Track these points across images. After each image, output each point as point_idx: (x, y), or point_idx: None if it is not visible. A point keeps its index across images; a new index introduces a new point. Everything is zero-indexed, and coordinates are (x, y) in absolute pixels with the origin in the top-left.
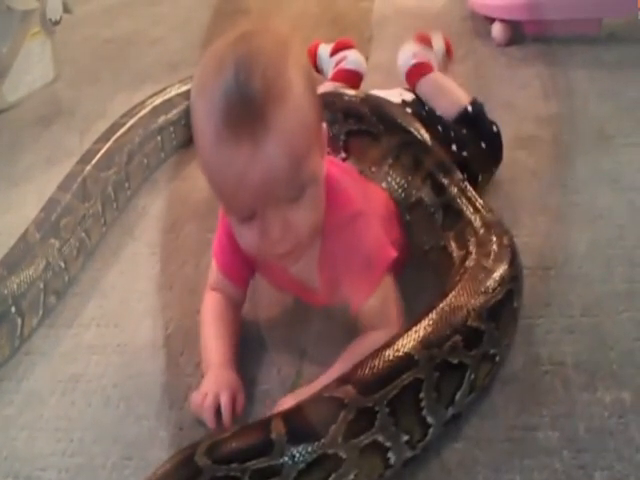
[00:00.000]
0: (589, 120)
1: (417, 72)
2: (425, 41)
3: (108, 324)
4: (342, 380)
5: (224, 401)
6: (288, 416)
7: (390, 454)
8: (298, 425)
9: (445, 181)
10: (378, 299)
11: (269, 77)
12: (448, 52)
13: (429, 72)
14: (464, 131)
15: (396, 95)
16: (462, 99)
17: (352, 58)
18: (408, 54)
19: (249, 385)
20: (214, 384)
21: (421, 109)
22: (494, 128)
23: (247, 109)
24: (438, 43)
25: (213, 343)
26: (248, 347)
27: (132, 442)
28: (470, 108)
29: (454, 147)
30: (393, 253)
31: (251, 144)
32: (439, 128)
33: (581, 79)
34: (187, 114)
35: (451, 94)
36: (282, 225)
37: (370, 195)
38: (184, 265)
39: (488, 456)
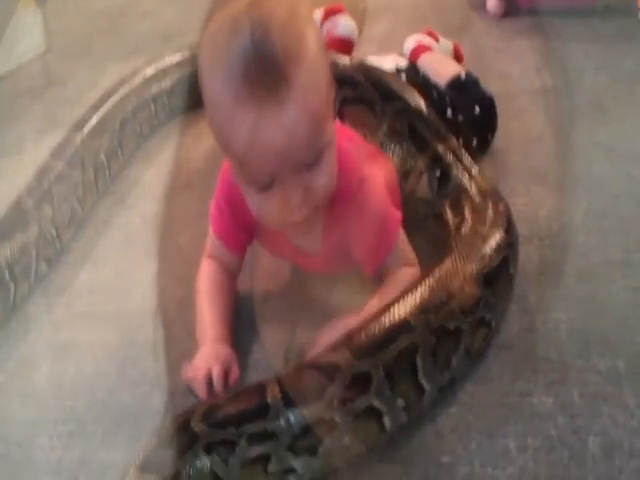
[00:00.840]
0: (584, 92)
1: (419, 49)
2: (432, 35)
3: (100, 292)
4: (338, 345)
5: (216, 374)
6: (283, 380)
7: (385, 419)
8: (293, 389)
9: (440, 148)
10: (394, 258)
11: (286, 37)
12: (457, 56)
13: (430, 50)
14: (458, 97)
15: (390, 61)
16: (457, 69)
17: (343, 24)
18: (413, 40)
19: (242, 354)
20: (207, 357)
21: (415, 75)
22: (488, 94)
23: (268, 70)
24: (445, 42)
25: (208, 315)
26: (242, 316)
27: (125, 409)
28: (463, 75)
29: (449, 112)
30: (399, 214)
31: (276, 106)
32: (434, 94)
33: (576, 51)
34: (181, 83)
35: (448, 66)
36: (302, 191)
37: (374, 160)
38: (177, 234)
39: (482, 421)
